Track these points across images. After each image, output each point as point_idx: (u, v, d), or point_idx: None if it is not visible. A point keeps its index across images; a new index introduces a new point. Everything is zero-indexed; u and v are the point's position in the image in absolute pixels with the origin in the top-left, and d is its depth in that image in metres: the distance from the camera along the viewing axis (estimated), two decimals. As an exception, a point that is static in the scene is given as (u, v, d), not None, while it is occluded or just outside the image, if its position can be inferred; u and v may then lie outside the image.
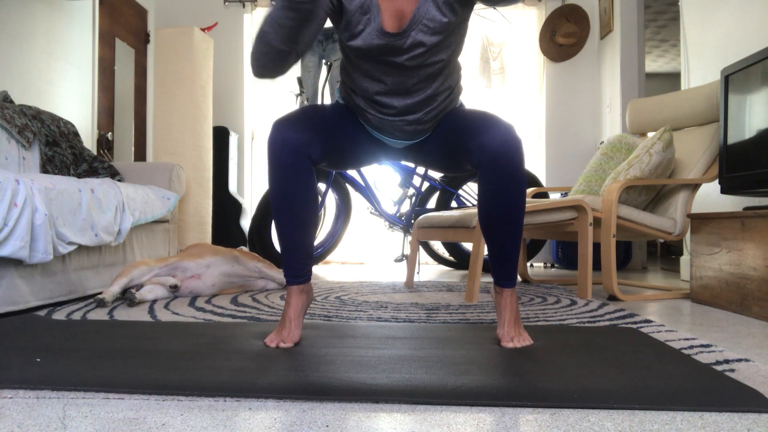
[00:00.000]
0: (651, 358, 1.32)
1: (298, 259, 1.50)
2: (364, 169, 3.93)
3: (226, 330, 1.66)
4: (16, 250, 1.87)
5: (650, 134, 3.24)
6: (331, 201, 4.17)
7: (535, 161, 4.80)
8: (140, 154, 4.29)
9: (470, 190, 4.04)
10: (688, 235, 3.29)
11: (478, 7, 4.71)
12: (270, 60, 1.35)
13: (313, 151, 1.45)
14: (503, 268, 1.52)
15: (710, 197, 3.13)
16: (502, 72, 4.79)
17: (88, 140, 3.63)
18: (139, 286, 2.32)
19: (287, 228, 1.47)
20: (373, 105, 1.51)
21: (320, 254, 4.07)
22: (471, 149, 1.43)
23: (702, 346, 1.48)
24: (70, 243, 2.18)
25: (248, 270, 2.62)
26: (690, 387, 1.10)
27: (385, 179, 3.95)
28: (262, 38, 1.31)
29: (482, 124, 1.43)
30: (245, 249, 2.75)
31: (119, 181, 3.04)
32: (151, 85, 4.41)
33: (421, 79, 1.46)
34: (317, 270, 4.08)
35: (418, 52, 1.40)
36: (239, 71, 4.86)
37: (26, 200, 1.91)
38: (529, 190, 3.36)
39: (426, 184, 4.01)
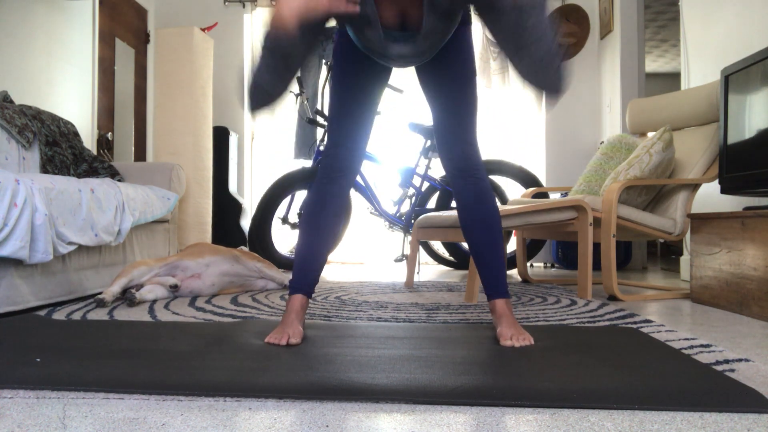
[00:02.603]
0: (651, 358, 1.32)
1: (311, 269, 1.58)
2: (364, 170, 3.94)
3: (226, 330, 1.66)
4: (16, 250, 1.87)
5: (650, 134, 3.24)
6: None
7: (535, 161, 4.80)
8: (140, 154, 4.29)
9: (470, 190, 4.03)
10: (688, 235, 3.29)
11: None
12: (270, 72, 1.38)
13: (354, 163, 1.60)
14: (489, 278, 1.58)
15: (710, 197, 3.13)
16: (502, 72, 4.79)
17: (88, 140, 3.63)
18: (139, 286, 2.32)
19: (311, 237, 1.57)
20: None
21: (320, 254, 4.05)
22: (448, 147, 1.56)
23: (702, 346, 1.48)
24: (70, 243, 2.18)
25: (248, 270, 2.62)
26: (690, 387, 1.10)
27: (385, 179, 3.95)
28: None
29: (459, 138, 1.55)
30: (245, 249, 2.75)
31: (119, 181, 3.04)
32: (151, 85, 4.41)
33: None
34: (317, 270, 4.07)
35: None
36: (239, 71, 4.85)
37: (26, 200, 1.91)
38: (529, 190, 3.36)
39: (426, 184, 4.01)
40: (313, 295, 2.57)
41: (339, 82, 1.60)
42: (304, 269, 1.57)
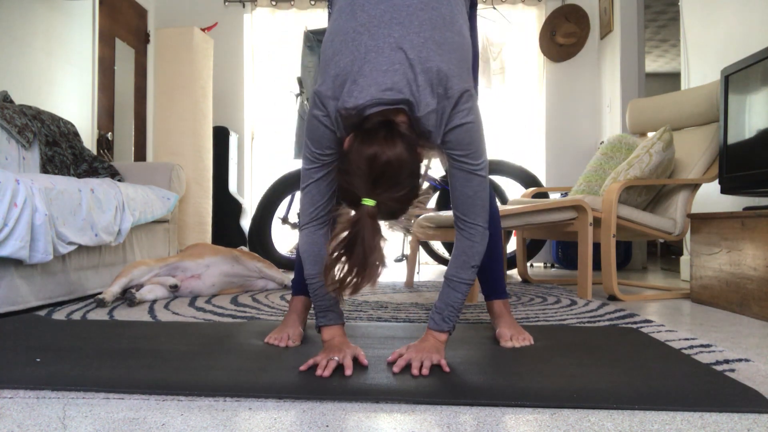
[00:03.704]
0: (651, 358, 1.32)
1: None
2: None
3: (226, 330, 1.66)
4: (16, 250, 1.87)
5: (650, 134, 3.24)
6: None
7: (535, 161, 4.80)
8: (140, 154, 4.29)
9: (470, 190, 4.02)
10: (688, 235, 3.29)
11: (479, 7, 4.70)
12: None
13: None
14: (487, 279, 1.58)
15: (710, 197, 3.13)
16: (502, 72, 4.79)
17: (88, 140, 3.63)
18: (139, 286, 2.32)
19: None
20: None
21: (320, 254, 4.05)
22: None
23: (702, 346, 1.48)
24: (70, 243, 2.18)
25: (248, 270, 2.62)
26: (690, 387, 1.10)
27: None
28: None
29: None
30: (245, 249, 2.75)
31: (119, 181, 3.03)
32: (151, 85, 4.41)
33: None
34: (317, 270, 4.07)
35: None
36: (239, 71, 4.85)
37: (26, 200, 1.91)
38: (529, 190, 3.36)
39: (426, 184, 4.01)
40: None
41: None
42: None
